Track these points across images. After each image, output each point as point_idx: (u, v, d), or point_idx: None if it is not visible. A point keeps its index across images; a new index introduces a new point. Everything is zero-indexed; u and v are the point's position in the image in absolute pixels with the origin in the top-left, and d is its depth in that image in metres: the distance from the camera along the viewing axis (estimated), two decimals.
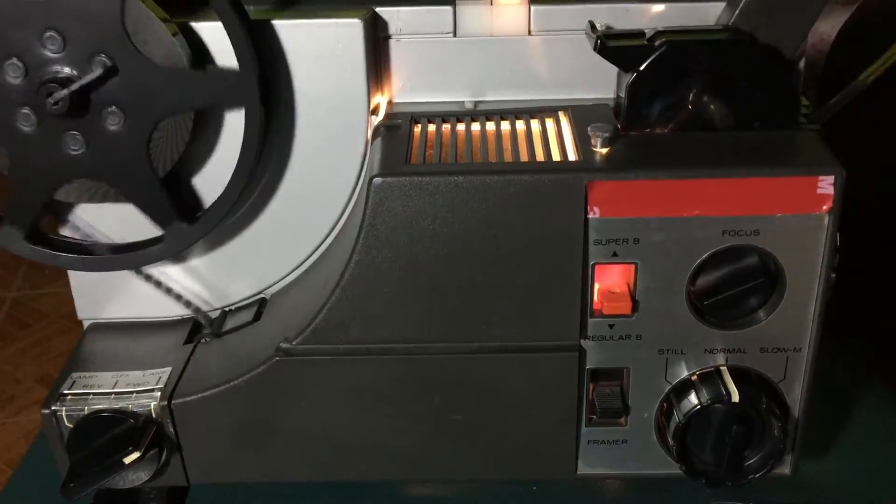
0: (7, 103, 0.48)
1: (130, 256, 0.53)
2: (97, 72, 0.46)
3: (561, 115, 0.53)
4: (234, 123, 0.52)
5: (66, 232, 0.55)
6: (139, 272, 0.56)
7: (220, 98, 0.50)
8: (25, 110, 0.48)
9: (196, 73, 0.49)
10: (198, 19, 0.50)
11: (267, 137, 0.50)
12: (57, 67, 0.47)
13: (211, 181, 0.54)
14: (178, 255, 0.54)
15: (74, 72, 0.47)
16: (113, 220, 0.55)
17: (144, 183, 0.50)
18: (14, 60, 0.47)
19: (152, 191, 0.50)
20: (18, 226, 0.51)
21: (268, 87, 0.49)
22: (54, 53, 0.47)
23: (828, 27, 0.76)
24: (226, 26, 0.47)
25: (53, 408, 0.52)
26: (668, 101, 0.49)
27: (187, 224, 0.51)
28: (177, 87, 0.48)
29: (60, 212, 0.55)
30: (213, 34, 0.50)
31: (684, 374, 0.51)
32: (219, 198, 0.51)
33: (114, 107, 0.48)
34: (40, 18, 0.46)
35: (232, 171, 0.50)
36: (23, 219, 0.51)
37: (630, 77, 0.49)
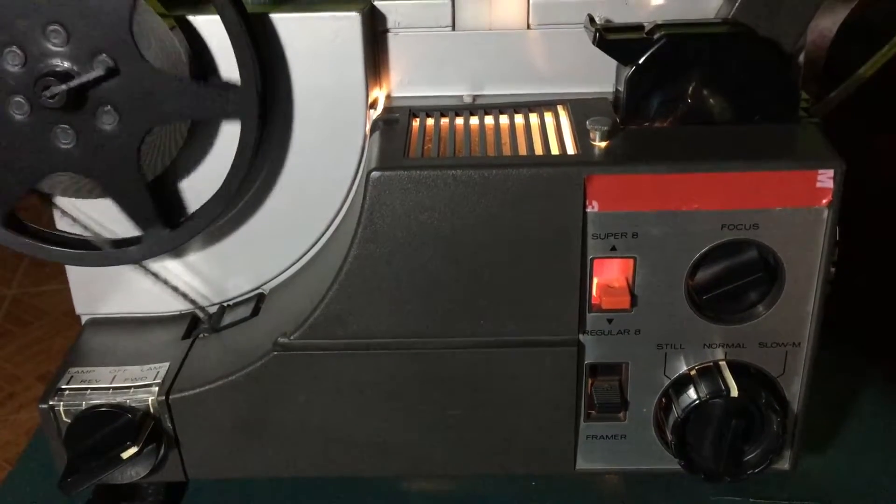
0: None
1: (104, 254, 0.53)
2: (97, 71, 0.46)
3: (560, 108, 0.53)
4: (230, 131, 0.52)
5: (59, 223, 0.55)
6: (139, 266, 0.56)
7: (217, 111, 0.49)
8: (19, 98, 0.47)
9: (196, 84, 0.49)
10: (195, 13, 0.50)
11: (264, 136, 0.50)
12: (57, 61, 0.47)
13: (199, 186, 0.53)
14: (152, 257, 0.54)
15: (74, 67, 0.47)
16: (99, 215, 0.55)
17: (130, 184, 0.50)
18: (14, 48, 0.46)
19: (137, 193, 0.50)
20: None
21: (266, 102, 0.49)
22: (56, 47, 0.47)
23: (828, 23, 0.75)
24: (231, 38, 0.47)
25: (51, 403, 0.52)
26: (667, 94, 0.49)
27: (168, 229, 0.51)
28: (176, 96, 0.48)
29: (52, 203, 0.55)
30: (212, 28, 0.50)
31: (683, 368, 0.51)
32: (203, 206, 0.51)
33: (109, 106, 0.48)
34: (46, 10, 0.46)
35: (222, 174, 0.50)
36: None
37: (629, 70, 0.49)
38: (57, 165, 0.49)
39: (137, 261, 0.53)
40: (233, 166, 0.50)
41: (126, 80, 0.47)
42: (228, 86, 0.49)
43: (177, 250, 0.55)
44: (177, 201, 0.54)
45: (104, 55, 0.47)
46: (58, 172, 0.50)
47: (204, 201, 0.52)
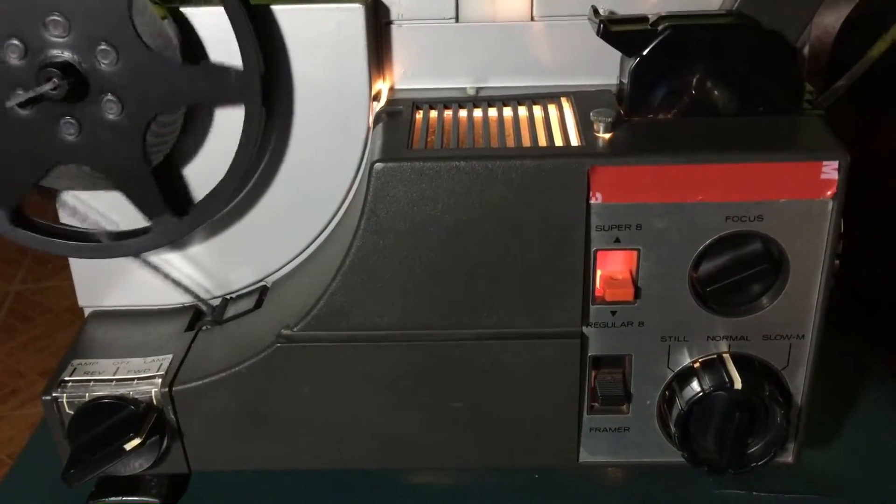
0: (2, 83, 0.47)
1: (114, 245, 0.53)
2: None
3: (563, 100, 0.53)
4: (227, 117, 0.52)
5: (64, 218, 0.55)
6: (141, 259, 0.56)
7: (221, 96, 0.49)
8: (20, 91, 0.47)
9: (199, 69, 0.49)
10: (188, 4, 0.50)
11: (267, 128, 0.50)
12: (58, 52, 0.47)
13: (205, 172, 0.53)
14: (162, 246, 0.53)
15: (76, 57, 0.47)
16: (106, 208, 0.55)
17: (136, 174, 0.50)
18: (14, 41, 0.46)
19: (143, 182, 0.50)
20: (4, 207, 0.51)
21: (269, 87, 0.49)
22: (57, 38, 0.46)
23: (832, 19, 0.75)
24: (233, 24, 0.47)
25: (54, 394, 0.52)
26: (672, 86, 0.49)
27: (176, 217, 0.51)
28: (178, 81, 0.48)
29: (57, 197, 0.55)
30: (203, 20, 0.50)
31: (687, 361, 0.51)
32: (210, 193, 0.51)
33: (112, 95, 0.48)
34: (46, 1, 0.46)
35: (226, 162, 0.50)
36: (8, 201, 0.51)
37: (633, 62, 0.49)
38: (62, 158, 0.49)
39: (148, 251, 0.53)
40: (237, 152, 0.50)
41: (127, 68, 0.47)
42: (230, 69, 0.49)
43: (180, 242, 0.55)
44: (182, 189, 0.54)
45: (105, 44, 0.46)
46: (63, 165, 0.50)
47: (206, 189, 0.51)
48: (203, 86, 0.48)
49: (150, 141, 0.49)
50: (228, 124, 0.51)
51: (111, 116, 0.48)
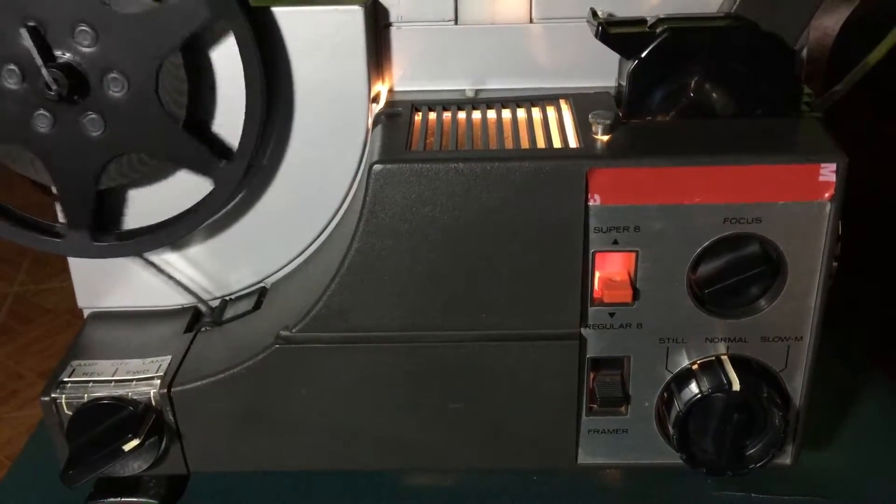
0: (18, 110, 0.48)
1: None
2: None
3: (562, 102, 0.53)
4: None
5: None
6: (142, 259, 0.56)
7: (202, 170, 0.50)
8: (40, 111, 0.47)
9: (195, 140, 0.49)
10: None
11: (266, 130, 0.50)
12: (70, 55, 0.47)
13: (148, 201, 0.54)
14: (226, 206, 0.53)
15: (63, 52, 0.47)
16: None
17: (81, 189, 0.50)
18: (10, 66, 0.47)
19: (180, 139, 0.50)
20: (81, 228, 0.51)
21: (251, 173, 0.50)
22: (77, 44, 0.46)
23: (831, 22, 0.75)
24: (235, 33, 0.47)
25: (53, 395, 0.52)
26: (670, 88, 0.49)
27: (227, 162, 0.50)
28: (170, 141, 0.49)
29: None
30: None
31: (685, 362, 0.51)
32: (240, 141, 0.51)
33: (99, 116, 0.48)
34: (15, 16, 0.46)
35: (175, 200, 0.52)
36: (84, 218, 0.51)
37: (631, 64, 0.49)
38: (24, 142, 0.49)
39: (61, 253, 0.54)
40: (196, 210, 0.51)
41: (130, 105, 0.48)
42: (224, 153, 0.49)
43: (178, 244, 0.55)
44: (115, 215, 0.55)
45: (82, 24, 0.46)
46: (20, 147, 0.50)
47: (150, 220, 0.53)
48: (191, 155, 0.50)
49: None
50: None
51: (91, 134, 0.49)
